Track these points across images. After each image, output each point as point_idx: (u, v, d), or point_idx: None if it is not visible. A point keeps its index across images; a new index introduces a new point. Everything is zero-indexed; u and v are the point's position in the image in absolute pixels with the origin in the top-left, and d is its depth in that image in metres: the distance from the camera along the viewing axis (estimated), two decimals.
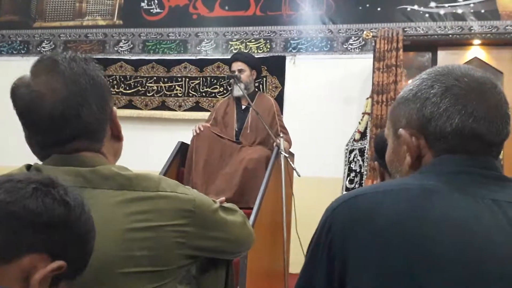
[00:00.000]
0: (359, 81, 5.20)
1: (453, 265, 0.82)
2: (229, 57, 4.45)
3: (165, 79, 5.76)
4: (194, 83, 5.69)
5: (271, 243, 3.46)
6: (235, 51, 5.44)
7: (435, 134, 0.95)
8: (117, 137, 1.21)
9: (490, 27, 5.03)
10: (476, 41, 4.76)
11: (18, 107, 1.09)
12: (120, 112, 5.29)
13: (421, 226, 0.85)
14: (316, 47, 5.47)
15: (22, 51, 6.15)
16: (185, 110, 5.66)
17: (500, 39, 4.76)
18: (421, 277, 0.82)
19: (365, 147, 4.76)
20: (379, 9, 5.31)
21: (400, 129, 1.00)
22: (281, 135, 3.60)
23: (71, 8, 6.14)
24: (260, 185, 3.32)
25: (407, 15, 5.23)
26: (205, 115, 4.88)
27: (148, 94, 5.77)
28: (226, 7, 5.72)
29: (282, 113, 4.56)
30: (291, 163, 3.51)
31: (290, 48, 5.53)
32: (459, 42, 4.82)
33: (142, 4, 5.93)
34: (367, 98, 4.88)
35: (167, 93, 5.73)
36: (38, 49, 6.09)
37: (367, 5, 5.34)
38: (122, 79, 5.84)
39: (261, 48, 5.59)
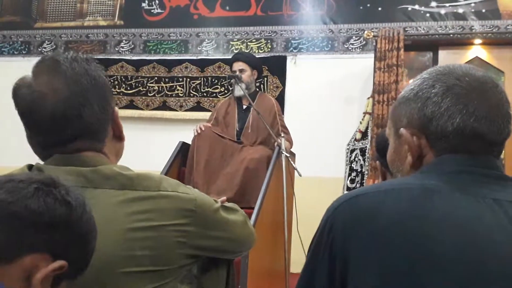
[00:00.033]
0: (360, 80, 5.20)
1: (454, 265, 0.82)
2: (230, 57, 4.45)
3: (166, 79, 5.76)
4: (195, 83, 5.69)
5: (272, 243, 3.46)
6: (236, 51, 5.44)
7: (436, 134, 0.95)
8: (119, 137, 1.21)
9: (491, 26, 5.03)
10: (477, 41, 4.76)
11: (20, 107, 1.09)
12: (122, 112, 5.29)
13: (422, 225, 0.85)
14: (317, 47, 5.47)
15: (23, 52, 6.16)
16: (186, 110, 5.66)
17: (501, 39, 4.75)
18: (422, 277, 0.82)
19: (366, 146, 4.76)
20: (380, 8, 5.31)
21: (401, 128, 1.00)
22: (282, 135, 3.60)
23: (72, 8, 6.14)
24: (261, 185, 3.32)
25: (408, 15, 5.23)
26: (206, 115, 4.88)
27: (149, 94, 5.77)
28: (227, 7, 5.72)
29: (283, 113, 4.55)
30: (292, 163, 3.51)
31: (291, 48, 5.53)
32: (460, 42, 4.82)
33: (143, 4, 5.94)
34: (368, 98, 4.88)
35: (168, 93, 5.73)
36: (39, 49, 6.09)
37: (368, 5, 5.34)
38: (123, 79, 5.84)
39: (262, 48, 5.59)
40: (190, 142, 3.86)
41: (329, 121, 5.21)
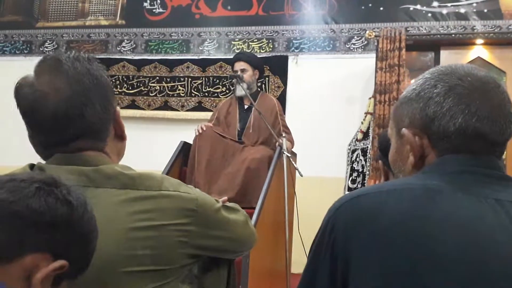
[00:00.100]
0: (362, 80, 5.19)
1: (456, 265, 0.82)
2: (231, 57, 4.45)
3: (168, 79, 5.77)
4: (197, 83, 5.70)
5: (273, 243, 3.46)
6: (237, 51, 5.44)
7: (438, 134, 0.95)
8: (120, 137, 1.21)
9: (493, 26, 5.02)
10: (479, 41, 4.76)
11: (22, 106, 1.09)
12: (123, 112, 5.31)
13: (424, 226, 0.85)
14: (319, 47, 5.47)
15: (25, 51, 6.16)
16: (187, 110, 5.66)
17: (503, 39, 4.75)
18: (424, 277, 0.82)
19: (367, 147, 4.77)
20: (381, 8, 5.31)
21: (403, 128, 1.00)
22: (284, 135, 3.59)
23: (74, 8, 6.15)
24: (262, 185, 3.32)
25: (410, 15, 5.22)
26: (207, 115, 4.88)
27: (150, 94, 5.78)
28: (229, 7, 5.72)
29: (284, 113, 4.55)
30: (293, 163, 3.51)
31: (293, 48, 5.52)
32: (462, 42, 4.82)
33: (145, 4, 5.94)
34: (370, 98, 4.88)
35: (169, 93, 5.74)
36: (41, 49, 6.10)
37: (370, 5, 5.34)
38: (125, 79, 5.85)
39: (263, 48, 5.59)
40: (191, 142, 3.86)
41: (330, 121, 5.20)
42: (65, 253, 0.81)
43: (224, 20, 5.72)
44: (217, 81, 5.65)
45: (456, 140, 0.93)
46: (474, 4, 5.09)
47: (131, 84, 5.84)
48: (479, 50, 4.78)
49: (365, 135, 4.87)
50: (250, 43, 5.64)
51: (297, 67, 5.47)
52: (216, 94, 5.63)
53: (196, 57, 5.75)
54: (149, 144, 5.37)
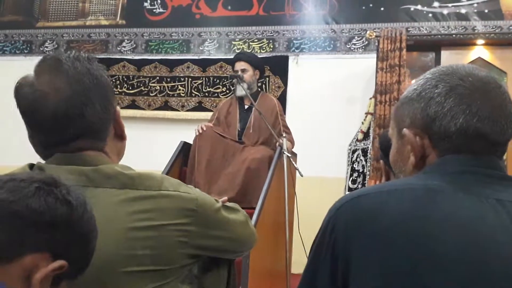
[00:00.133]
0: (362, 81, 5.19)
1: (456, 265, 0.82)
2: (232, 57, 4.45)
3: (168, 79, 5.77)
4: (197, 83, 5.70)
5: (274, 243, 3.46)
6: (238, 51, 5.44)
7: (439, 134, 0.95)
8: (120, 137, 1.21)
9: (494, 27, 5.02)
10: (480, 41, 4.75)
11: (22, 106, 1.09)
12: (124, 112, 5.31)
13: (424, 226, 0.85)
14: (319, 47, 5.46)
15: (25, 51, 6.17)
16: (188, 110, 5.67)
17: (504, 39, 4.75)
18: (424, 277, 0.82)
19: (368, 147, 4.76)
20: (382, 9, 5.31)
21: (404, 128, 1.00)
22: (284, 135, 3.59)
23: (74, 8, 6.15)
24: (262, 185, 3.32)
25: (411, 15, 5.22)
26: (207, 115, 4.88)
27: (151, 94, 5.78)
28: (229, 7, 5.72)
29: (284, 113, 4.55)
30: (293, 163, 3.51)
31: (293, 48, 5.52)
32: (463, 42, 4.81)
33: (145, 4, 5.94)
34: (370, 98, 4.88)
35: (170, 93, 5.74)
36: (41, 48, 6.10)
37: (371, 5, 5.34)
38: (125, 79, 5.85)
39: (264, 48, 5.59)
40: (191, 142, 3.86)
41: (331, 121, 5.20)
42: (65, 253, 0.81)
43: (225, 20, 5.72)
44: (218, 81, 5.65)
45: (457, 140, 0.93)
46: (475, 5, 5.09)
47: (131, 84, 5.84)
48: (480, 51, 4.78)
49: (366, 135, 4.87)
50: (251, 43, 5.64)
51: (297, 67, 5.47)
52: (216, 94, 5.63)
53: (196, 57, 5.75)
54: (149, 144, 5.37)
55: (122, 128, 1.20)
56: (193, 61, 5.74)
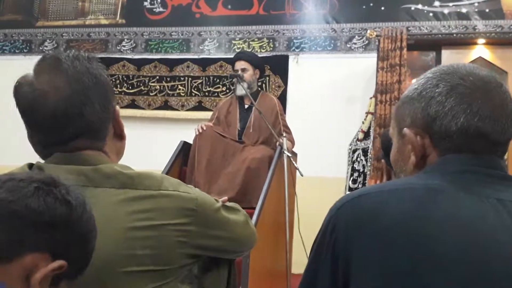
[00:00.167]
0: (363, 80, 5.19)
1: (456, 265, 0.82)
2: (232, 56, 4.45)
3: (168, 79, 5.77)
4: (197, 83, 5.69)
5: (274, 243, 3.46)
6: (238, 50, 5.44)
7: (440, 133, 0.94)
8: (120, 136, 1.21)
9: (495, 26, 5.02)
10: (481, 41, 4.75)
11: (21, 105, 1.09)
12: (123, 112, 5.31)
13: (425, 225, 0.85)
14: (320, 46, 5.46)
15: (25, 50, 6.16)
16: (188, 110, 5.66)
17: (505, 39, 4.75)
18: (424, 277, 0.82)
19: (368, 146, 4.76)
20: (383, 8, 5.30)
21: (405, 128, 0.99)
22: (284, 135, 3.59)
23: (74, 7, 6.15)
24: (262, 185, 3.31)
25: (411, 14, 5.22)
26: (207, 114, 4.88)
27: (151, 94, 5.78)
28: (229, 6, 5.72)
29: (285, 113, 4.55)
30: (294, 162, 3.51)
31: (293, 47, 5.52)
32: (463, 42, 4.81)
33: (145, 3, 5.94)
34: (371, 98, 4.88)
35: (169, 92, 5.74)
36: (41, 48, 6.10)
37: (371, 4, 5.34)
38: (125, 79, 5.85)
39: (264, 47, 5.59)
40: (191, 142, 3.86)
41: (331, 121, 5.20)
42: (64, 253, 0.81)
43: (225, 19, 5.72)
44: (218, 80, 5.65)
45: (458, 139, 0.93)
46: (476, 4, 5.09)
47: (131, 84, 5.84)
48: (480, 50, 4.77)
49: (366, 135, 4.87)
50: (251, 43, 5.64)
51: (297, 66, 5.47)
52: (216, 94, 5.63)
53: (196, 57, 5.75)
54: (149, 144, 5.37)
55: (122, 128, 1.20)
56: (193, 61, 5.74)
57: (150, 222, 1.06)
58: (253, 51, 5.46)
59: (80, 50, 1.15)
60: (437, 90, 0.96)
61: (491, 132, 0.92)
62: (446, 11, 5.16)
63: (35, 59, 1.12)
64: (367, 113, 4.89)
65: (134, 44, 5.93)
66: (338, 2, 5.44)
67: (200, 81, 5.69)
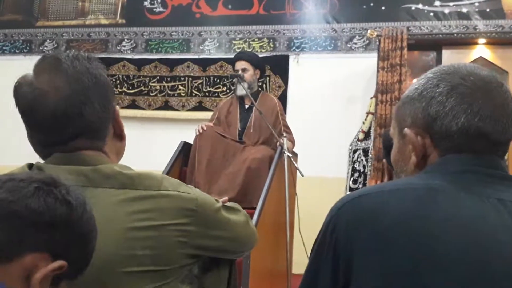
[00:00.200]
0: (363, 80, 5.19)
1: (457, 265, 0.82)
2: (232, 56, 4.45)
3: (168, 79, 5.77)
4: (197, 83, 5.69)
5: (274, 243, 3.46)
6: (238, 50, 5.44)
7: (440, 133, 0.94)
8: (120, 136, 1.21)
9: (495, 26, 5.02)
10: (481, 40, 4.75)
11: (21, 105, 1.09)
12: (124, 112, 5.33)
13: (426, 225, 0.85)
14: (320, 46, 5.46)
15: (25, 50, 6.16)
16: (188, 110, 5.67)
17: (505, 38, 4.75)
18: (424, 277, 0.82)
19: (369, 147, 4.76)
20: (383, 8, 5.30)
21: (406, 128, 0.99)
22: (285, 135, 3.59)
23: (74, 7, 6.15)
24: (263, 185, 3.32)
25: (412, 14, 5.22)
26: (208, 115, 4.88)
27: (151, 94, 5.78)
28: (229, 6, 5.72)
29: (285, 113, 4.55)
30: (294, 162, 3.51)
31: (294, 47, 5.52)
32: (464, 41, 4.81)
33: (145, 3, 5.94)
34: (371, 98, 4.88)
35: (170, 92, 5.74)
36: (41, 48, 6.10)
37: (371, 4, 5.34)
38: (125, 79, 5.85)
39: (264, 47, 5.59)
40: (192, 142, 3.86)
41: (331, 121, 5.21)
42: (64, 253, 0.81)
43: (225, 19, 5.72)
44: (218, 80, 5.65)
45: (459, 139, 0.93)
46: (476, 4, 5.08)
47: (132, 84, 5.84)
48: (481, 50, 4.77)
49: (367, 135, 4.87)
50: (251, 43, 5.64)
51: (298, 66, 5.47)
52: (216, 94, 5.63)
53: (196, 57, 5.75)
54: (149, 144, 5.38)
55: (122, 128, 1.20)
56: (193, 61, 5.74)
57: (150, 222, 1.05)
58: (253, 51, 5.46)
59: (80, 50, 1.15)
60: (437, 90, 0.95)
61: (492, 132, 0.92)
62: (446, 11, 5.16)
63: (35, 59, 1.12)
64: (368, 113, 4.89)
65: (134, 44, 5.93)
66: (339, 2, 5.44)
67: (200, 81, 5.69)
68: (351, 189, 4.78)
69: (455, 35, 4.92)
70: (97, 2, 6.10)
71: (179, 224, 1.09)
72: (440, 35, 4.95)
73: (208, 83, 5.67)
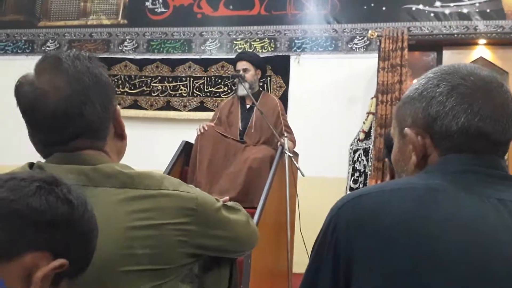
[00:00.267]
0: (364, 80, 5.19)
1: (457, 265, 0.81)
2: (233, 56, 4.45)
3: (170, 79, 5.77)
4: (199, 83, 5.70)
5: (275, 243, 3.46)
6: (239, 51, 5.44)
7: (441, 133, 0.94)
8: (121, 136, 1.21)
9: (496, 26, 5.01)
10: (482, 41, 4.75)
11: (22, 105, 1.09)
12: (126, 112, 5.35)
13: (426, 225, 0.84)
14: (321, 47, 5.46)
15: (27, 50, 6.17)
16: (189, 110, 5.67)
17: (506, 39, 4.74)
18: (424, 277, 0.82)
19: (369, 147, 4.76)
20: (384, 8, 5.30)
21: (406, 128, 0.99)
22: (286, 135, 3.60)
23: (76, 7, 6.15)
24: (264, 185, 3.32)
25: (412, 15, 5.22)
26: (209, 115, 4.88)
27: (153, 94, 5.78)
28: (231, 7, 5.72)
29: (286, 113, 4.55)
30: (295, 162, 3.51)
31: (295, 48, 5.52)
32: (464, 42, 4.81)
33: (147, 3, 5.94)
34: (372, 98, 4.88)
35: (171, 93, 5.74)
36: (43, 48, 6.10)
37: (372, 5, 5.33)
38: (127, 79, 5.85)
39: (265, 48, 5.59)
40: (193, 142, 3.87)
41: (332, 121, 5.21)
42: (65, 252, 0.81)
43: (226, 19, 5.72)
44: (219, 80, 5.65)
45: (459, 139, 0.93)
46: (477, 4, 5.08)
47: (133, 84, 5.84)
48: (481, 50, 4.77)
49: (367, 135, 4.87)
50: (252, 43, 5.64)
51: (299, 66, 5.47)
52: (218, 94, 5.63)
53: (198, 57, 5.76)
54: (151, 144, 5.38)
55: (122, 127, 1.20)
56: (195, 61, 5.74)
57: (150, 221, 1.06)
58: (254, 51, 5.46)
59: (82, 50, 1.15)
60: (438, 90, 0.95)
61: (492, 132, 0.92)
62: (447, 11, 5.16)
63: (37, 59, 1.12)
64: (368, 113, 4.89)
65: (136, 44, 5.94)
66: (339, 2, 5.44)
67: (201, 81, 5.69)
68: (351, 189, 4.78)
69: (455, 35, 4.92)
70: (99, 3, 6.10)
71: (179, 223, 1.09)
72: (441, 36, 4.95)
73: (210, 83, 5.67)
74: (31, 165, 1.11)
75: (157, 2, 5.92)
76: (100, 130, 1.13)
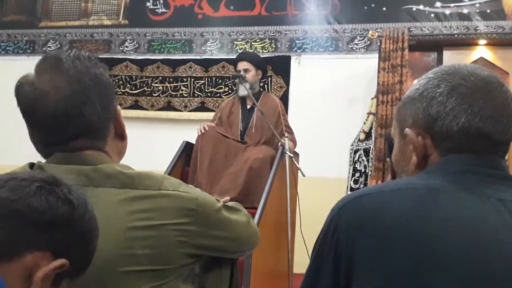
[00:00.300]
0: (364, 81, 5.19)
1: (457, 265, 0.81)
2: (234, 57, 4.45)
3: (171, 79, 5.77)
4: (199, 83, 5.70)
5: (276, 243, 3.46)
6: (240, 51, 5.44)
7: (441, 133, 0.94)
8: (121, 136, 1.21)
9: (496, 27, 5.01)
10: (482, 41, 4.75)
11: (22, 105, 1.09)
12: (127, 113, 5.35)
13: (426, 225, 0.84)
14: (321, 47, 5.46)
15: (28, 51, 6.17)
16: (190, 111, 5.67)
17: (506, 39, 4.74)
18: (425, 277, 0.81)
19: (370, 147, 4.76)
20: (384, 9, 5.30)
21: (406, 128, 0.99)
22: (286, 135, 3.60)
23: (77, 7, 6.16)
24: (264, 185, 3.32)
25: (413, 15, 5.22)
26: (210, 115, 4.88)
27: (154, 95, 5.78)
28: (231, 7, 5.72)
29: (287, 113, 4.55)
30: (296, 163, 3.51)
31: (295, 48, 5.52)
32: (465, 42, 4.81)
33: (148, 4, 5.95)
34: (372, 98, 4.88)
35: (172, 93, 5.74)
36: (44, 48, 6.11)
37: (373, 5, 5.33)
38: (128, 79, 5.85)
39: (266, 48, 5.59)
40: (194, 142, 3.87)
41: (333, 121, 5.21)
42: (66, 252, 0.81)
43: (227, 20, 5.72)
44: (220, 81, 5.66)
45: (459, 139, 0.93)
46: (477, 5, 5.08)
47: (134, 84, 5.85)
48: (482, 51, 4.77)
49: (368, 135, 4.87)
50: (253, 43, 5.64)
51: (299, 67, 5.47)
52: (218, 94, 5.63)
53: (198, 57, 5.76)
54: (151, 144, 5.38)
55: (123, 128, 1.20)
56: (196, 61, 5.74)
57: (150, 222, 1.05)
58: (255, 51, 5.46)
59: (83, 51, 1.15)
60: (438, 90, 0.95)
61: (493, 132, 0.92)
62: (447, 11, 5.16)
63: (38, 59, 1.12)
64: (369, 113, 4.89)
65: (137, 45, 5.94)
66: (340, 2, 5.44)
67: (202, 81, 5.70)
68: (352, 189, 4.78)
69: (456, 36, 4.92)
70: (100, 3, 6.11)
71: (179, 223, 1.09)
72: (441, 36, 4.95)
73: (210, 84, 5.68)
74: (31, 165, 1.11)
75: (158, 2, 5.92)
76: (100, 130, 1.13)
